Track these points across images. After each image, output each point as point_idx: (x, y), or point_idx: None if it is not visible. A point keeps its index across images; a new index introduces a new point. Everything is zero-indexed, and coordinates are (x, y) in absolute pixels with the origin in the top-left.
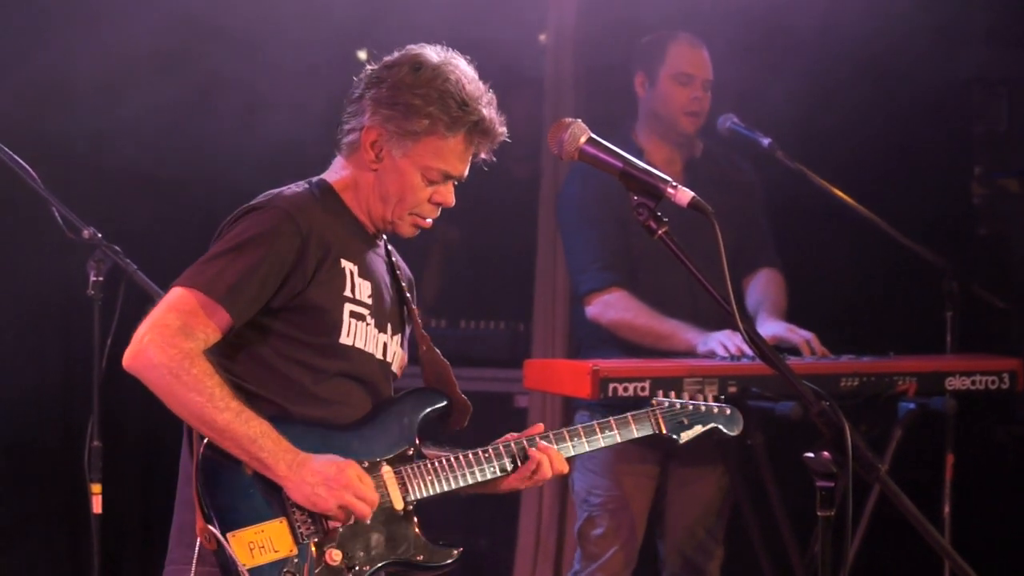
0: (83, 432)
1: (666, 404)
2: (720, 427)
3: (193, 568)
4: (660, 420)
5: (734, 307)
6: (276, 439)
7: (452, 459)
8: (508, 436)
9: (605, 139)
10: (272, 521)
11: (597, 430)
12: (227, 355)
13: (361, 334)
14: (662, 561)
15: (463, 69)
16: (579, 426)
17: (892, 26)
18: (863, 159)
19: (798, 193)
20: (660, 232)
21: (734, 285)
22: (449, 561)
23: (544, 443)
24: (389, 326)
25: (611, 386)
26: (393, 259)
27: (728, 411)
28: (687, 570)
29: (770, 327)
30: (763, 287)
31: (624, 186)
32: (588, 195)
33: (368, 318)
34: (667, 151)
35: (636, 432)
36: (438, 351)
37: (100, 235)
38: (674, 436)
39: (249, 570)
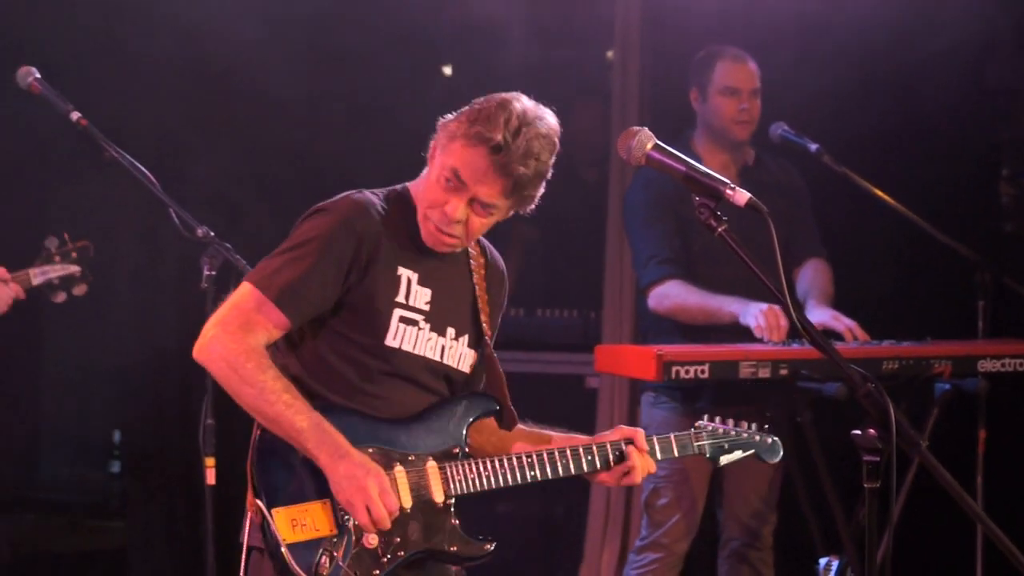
0: (198, 412)
1: (708, 428)
2: (759, 455)
3: (247, 533)
4: (702, 443)
5: (787, 297)
6: (324, 431)
7: (499, 461)
8: (556, 441)
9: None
10: (315, 502)
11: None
12: (292, 347)
13: (410, 338)
14: (721, 526)
15: (525, 105)
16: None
17: (925, 38)
18: (900, 163)
19: (842, 194)
20: (720, 229)
21: (785, 276)
22: (482, 554)
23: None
24: (451, 329)
25: (674, 369)
26: (472, 264)
27: (769, 440)
28: (744, 534)
29: (817, 315)
30: (811, 276)
31: (687, 188)
32: (650, 197)
33: (422, 323)
34: (723, 158)
35: (676, 453)
36: (496, 359)
37: (212, 233)
38: (712, 460)
39: (288, 545)
